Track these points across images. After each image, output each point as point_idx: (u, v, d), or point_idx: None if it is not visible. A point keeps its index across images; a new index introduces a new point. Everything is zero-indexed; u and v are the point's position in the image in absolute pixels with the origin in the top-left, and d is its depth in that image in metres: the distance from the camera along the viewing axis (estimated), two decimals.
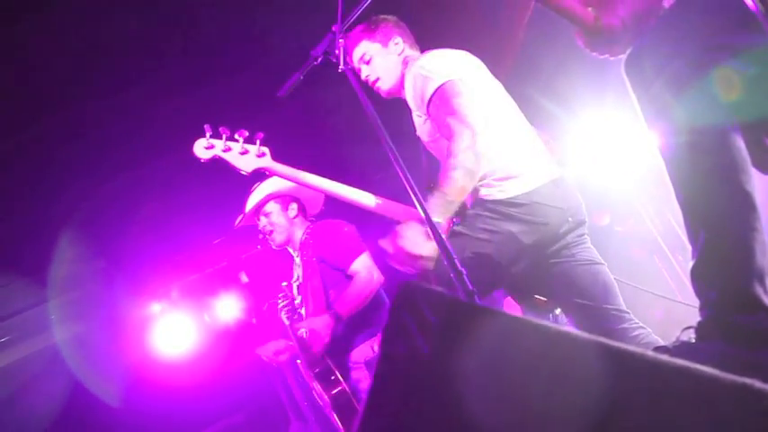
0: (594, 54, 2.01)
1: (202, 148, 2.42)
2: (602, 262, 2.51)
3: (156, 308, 5.51)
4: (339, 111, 4.24)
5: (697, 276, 1.68)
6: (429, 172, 2.76)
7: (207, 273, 5.75)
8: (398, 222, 2.62)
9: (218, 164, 2.48)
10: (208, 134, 2.40)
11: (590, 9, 1.93)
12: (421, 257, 2.06)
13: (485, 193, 2.37)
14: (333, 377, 3.17)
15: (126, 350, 5.39)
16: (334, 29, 2.12)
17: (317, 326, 3.12)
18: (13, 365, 5.22)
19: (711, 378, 0.83)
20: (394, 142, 1.95)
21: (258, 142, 2.42)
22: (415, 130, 2.63)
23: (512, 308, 3.40)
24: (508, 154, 2.38)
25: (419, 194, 1.88)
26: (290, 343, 3.32)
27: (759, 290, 1.57)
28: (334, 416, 3.17)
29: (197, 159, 2.45)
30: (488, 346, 0.95)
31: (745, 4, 1.40)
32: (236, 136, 2.42)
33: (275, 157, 2.50)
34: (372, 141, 2.09)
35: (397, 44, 2.68)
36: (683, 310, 3.17)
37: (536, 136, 2.53)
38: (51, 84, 3.56)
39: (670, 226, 4.78)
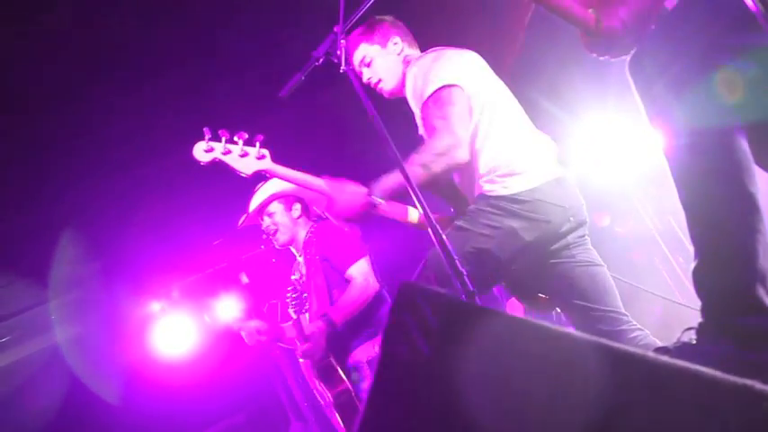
0: (595, 55, 2.01)
1: (202, 151, 2.41)
2: (602, 263, 2.51)
3: (155, 307, 5.51)
4: (340, 111, 4.24)
5: (699, 277, 1.68)
6: None
7: (207, 273, 5.76)
8: (397, 222, 2.65)
9: (217, 166, 2.47)
10: (207, 137, 2.39)
11: (591, 11, 1.93)
12: (357, 214, 2.26)
13: (488, 188, 2.37)
14: (335, 376, 3.17)
15: (126, 351, 5.39)
16: (335, 29, 2.12)
17: (310, 331, 3.14)
18: (13, 365, 5.22)
19: (712, 379, 0.83)
20: (395, 142, 1.96)
21: (258, 144, 2.41)
22: (417, 130, 2.63)
23: (515, 308, 3.41)
24: (512, 151, 2.39)
25: (419, 194, 1.89)
26: (293, 336, 3.32)
27: (761, 291, 1.57)
28: (336, 415, 3.18)
29: (197, 162, 2.44)
30: (489, 347, 0.94)
31: (745, 5, 1.40)
32: (236, 138, 2.40)
33: (275, 159, 2.49)
34: (373, 142, 2.10)
35: (395, 44, 2.68)
36: (683, 312, 3.17)
37: (540, 135, 2.54)
38: (52, 85, 3.56)
39: (670, 227, 4.78)
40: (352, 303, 3.23)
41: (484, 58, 2.59)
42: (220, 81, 4.00)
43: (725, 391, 0.82)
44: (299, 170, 2.47)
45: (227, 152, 2.40)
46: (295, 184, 2.52)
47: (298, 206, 3.56)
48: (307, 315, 3.40)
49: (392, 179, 2.26)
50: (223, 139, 2.39)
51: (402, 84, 2.62)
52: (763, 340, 1.53)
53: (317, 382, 3.25)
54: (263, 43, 3.88)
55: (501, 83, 2.58)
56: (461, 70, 2.43)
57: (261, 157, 2.40)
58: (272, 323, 3.47)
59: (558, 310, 2.58)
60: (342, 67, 2.09)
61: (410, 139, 2.66)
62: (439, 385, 0.95)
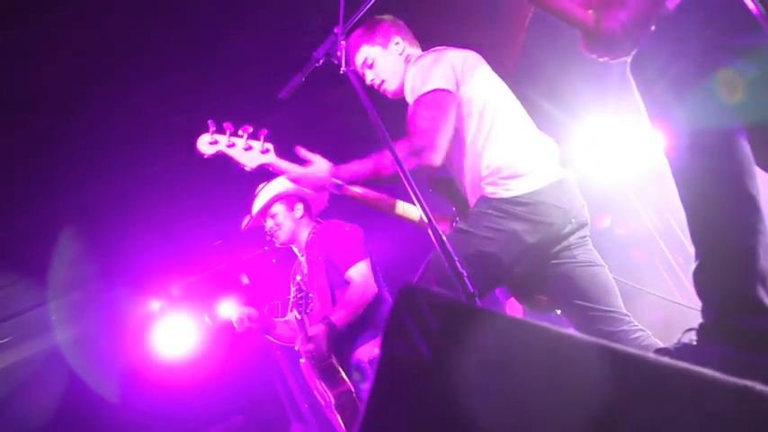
0: (595, 57, 2.01)
1: (206, 144, 2.39)
2: (603, 264, 2.51)
3: (155, 305, 5.50)
4: (340, 111, 4.24)
5: (699, 278, 1.68)
6: (429, 172, 2.76)
7: (208, 274, 5.76)
8: (385, 213, 2.67)
9: (219, 162, 2.45)
10: (211, 129, 2.38)
11: (590, 12, 1.93)
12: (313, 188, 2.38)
13: (490, 191, 2.37)
14: (337, 377, 3.18)
15: (127, 351, 5.39)
16: (336, 30, 2.12)
17: (313, 333, 3.14)
18: (14, 366, 5.22)
19: (712, 380, 0.83)
20: (396, 142, 1.96)
21: (262, 138, 2.39)
22: None
23: (514, 308, 3.41)
24: (514, 153, 2.39)
25: (419, 193, 1.89)
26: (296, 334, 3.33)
27: (761, 292, 1.57)
28: (337, 416, 3.18)
29: (200, 155, 2.41)
30: (489, 349, 0.94)
31: (746, 6, 1.40)
32: (240, 132, 2.39)
33: (279, 154, 2.48)
34: (373, 141, 2.10)
35: (397, 44, 2.68)
36: (684, 313, 3.16)
37: (542, 136, 2.54)
38: (53, 85, 3.56)
39: (671, 227, 4.78)
40: (351, 306, 3.23)
41: (484, 58, 2.59)
42: (221, 82, 4.00)
43: (725, 393, 0.81)
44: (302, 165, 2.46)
45: (232, 145, 2.38)
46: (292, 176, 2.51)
47: (300, 206, 3.57)
48: (302, 316, 3.40)
49: (357, 166, 2.29)
50: (227, 131, 2.37)
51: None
52: (764, 341, 1.53)
53: (318, 383, 3.26)
54: (264, 44, 3.89)
55: (503, 83, 2.58)
56: (459, 73, 2.42)
57: (265, 151, 2.39)
58: (265, 314, 3.47)
59: (559, 311, 2.58)
60: (342, 68, 2.09)
61: None
62: (439, 386, 0.95)
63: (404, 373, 0.98)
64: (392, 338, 1.00)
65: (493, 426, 0.90)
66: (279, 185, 3.47)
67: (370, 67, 2.68)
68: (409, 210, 2.73)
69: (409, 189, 1.90)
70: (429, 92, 2.35)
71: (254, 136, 2.40)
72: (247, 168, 2.41)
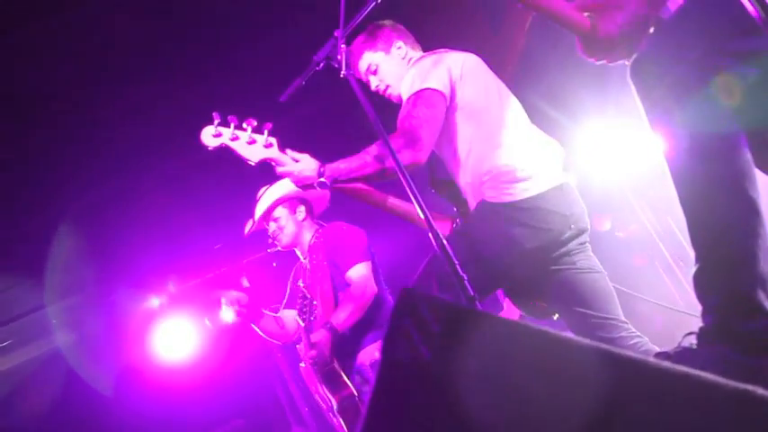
0: (593, 60, 2.01)
1: (210, 136, 2.37)
2: (603, 270, 2.51)
3: (154, 302, 5.49)
4: (340, 115, 4.25)
5: (699, 282, 1.68)
6: (430, 171, 2.77)
7: (208, 277, 5.75)
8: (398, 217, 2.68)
9: (220, 164, 2.44)
10: (216, 122, 2.37)
11: (586, 14, 1.93)
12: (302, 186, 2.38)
13: (490, 195, 2.37)
14: (340, 381, 3.18)
15: (127, 354, 5.39)
16: (336, 34, 2.12)
17: (316, 339, 3.15)
18: (14, 369, 5.22)
19: (713, 384, 0.83)
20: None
21: (266, 132, 2.38)
22: None
23: (511, 308, 3.41)
24: (514, 157, 2.39)
25: (417, 194, 1.89)
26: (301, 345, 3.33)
27: (762, 296, 1.56)
28: (340, 419, 3.18)
29: (203, 147, 2.40)
30: (489, 353, 0.94)
31: (746, 10, 1.40)
32: (245, 125, 2.38)
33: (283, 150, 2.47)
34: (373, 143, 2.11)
35: (399, 48, 2.68)
36: (684, 316, 3.16)
37: (546, 139, 2.54)
38: (54, 86, 3.57)
39: (671, 231, 4.77)
40: (351, 309, 3.23)
41: (485, 62, 2.59)
42: (223, 83, 4.01)
43: (726, 397, 0.81)
44: None
45: (236, 138, 2.37)
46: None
47: (302, 208, 3.57)
48: (305, 323, 3.40)
49: (343, 164, 2.29)
50: (232, 124, 2.36)
51: None
52: (764, 345, 1.53)
53: (320, 387, 3.26)
54: (265, 47, 3.89)
55: (503, 86, 2.58)
56: (457, 77, 2.43)
57: (268, 146, 2.38)
58: (254, 303, 3.46)
59: (557, 316, 2.58)
60: (342, 72, 2.09)
61: None
62: (440, 390, 0.95)
63: (405, 376, 0.98)
64: (393, 342, 1.00)
65: (493, 428, 0.90)
66: (281, 189, 3.47)
67: (374, 73, 2.68)
68: (403, 205, 2.74)
69: (407, 188, 1.91)
70: (420, 90, 2.36)
71: (258, 130, 2.38)
72: (251, 163, 2.39)
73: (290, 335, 3.58)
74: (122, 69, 3.66)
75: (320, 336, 3.15)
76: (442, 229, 2.64)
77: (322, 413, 3.47)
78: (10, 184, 4.05)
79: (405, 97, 2.45)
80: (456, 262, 1.80)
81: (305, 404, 5.56)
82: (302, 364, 3.32)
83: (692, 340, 1.68)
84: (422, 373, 0.96)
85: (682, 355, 1.64)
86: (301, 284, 3.48)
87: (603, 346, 0.91)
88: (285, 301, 3.66)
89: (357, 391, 3.19)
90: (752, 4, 1.34)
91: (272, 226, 3.53)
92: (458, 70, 2.44)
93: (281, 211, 3.52)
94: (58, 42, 3.32)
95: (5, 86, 3.41)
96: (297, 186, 2.40)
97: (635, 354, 0.89)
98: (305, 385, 3.53)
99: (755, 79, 1.62)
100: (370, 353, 3.30)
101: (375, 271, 3.44)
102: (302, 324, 3.30)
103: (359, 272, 3.33)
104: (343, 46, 2.09)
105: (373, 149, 2.25)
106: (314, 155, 2.43)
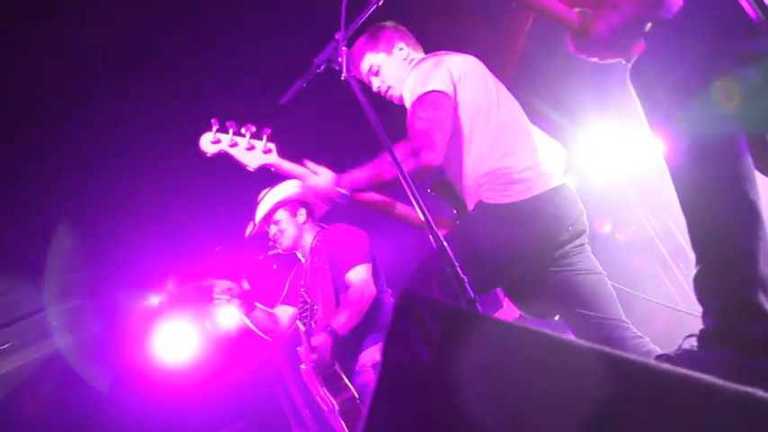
0: (583, 57, 2.00)
1: (209, 143, 2.37)
2: (602, 272, 2.51)
3: (154, 300, 5.49)
4: (341, 116, 4.25)
5: (700, 284, 1.68)
6: (431, 174, 2.77)
7: (208, 279, 5.74)
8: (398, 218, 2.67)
9: (219, 166, 2.44)
10: (214, 128, 2.37)
11: (577, 10, 1.92)
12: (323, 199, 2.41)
13: (487, 196, 2.38)
14: (341, 383, 3.17)
15: (127, 357, 5.39)
16: (337, 36, 2.12)
17: (317, 343, 3.14)
18: (14, 371, 5.22)
19: (713, 387, 0.83)
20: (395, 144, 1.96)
21: (265, 138, 2.38)
22: None
23: (511, 309, 3.41)
24: (512, 158, 2.39)
25: (418, 197, 1.89)
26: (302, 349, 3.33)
27: (762, 298, 1.56)
28: (341, 422, 3.17)
29: (202, 154, 2.40)
30: (490, 355, 0.94)
31: (746, 12, 1.40)
32: (243, 131, 2.38)
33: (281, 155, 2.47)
34: (374, 146, 2.11)
35: (401, 49, 2.69)
36: (684, 319, 3.16)
37: (547, 140, 2.54)
38: (54, 88, 3.57)
39: (672, 233, 4.77)
40: (351, 311, 3.23)
41: (485, 63, 2.59)
42: (223, 85, 4.02)
43: (726, 399, 0.81)
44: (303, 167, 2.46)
45: (234, 144, 2.37)
46: (297, 179, 2.51)
47: (303, 211, 3.56)
48: (306, 327, 3.40)
49: (359, 173, 2.29)
50: (230, 130, 2.36)
51: None
52: (765, 347, 1.53)
53: (321, 390, 3.25)
54: (266, 49, 3.90)
55: (503, 88, 2.58)
56: (457, 79, 2.43)
57: (267, 151, 2.38)
58: (246, 293, 3.45)
59: (557, 317, 2.58)
60: (343, 75, 2.09)
61: None
62: (440, 392, 0.95)
63: (405, 378, 0.98)
64: (393, 345, 1.00)
65: (493, 430, 0.90)
66: (281, 191, 3.46)
67: (376, 74, 2.68)
68: (414, 213, 2.74)
69: (409, 192, 1.91)
70: (426, 93, 2.36)
71: (256, 135, 2.38)
72: (250, 168, 2.40)
73: (282, 331, 3.57)
74: (122, 70, 3.66)
75: (321, 339, 3.15)
76: (444, 233, 2.65)
77: (323, 415, 3.47)
78: (10, 184, 4.05)
79: (408, 102, 2.45)
80: (456, 264, 1.80)
81: (306, 406, 5.56)
82: (303, 366, 3.32)
83: (693, 342, 1.68)
84: (422, 374, 0.97)
85: (682, 357, 1.64)
86: (302, 291, 3.48)
87: (604, 348, 0.91)
88: (282, 297, 3.66)
89: (358, 394, 3.19)
90: (751, 6, 1.34)
91: (273, 229, 3.53)
92: (457, 72, 2.44)
93: (281, 214, 3.52)
94: (58, 43, 3.32)
95: (5, 86, 3.42)
96: (317, 199, 2.41)
97: (635, 356, 0.89)
98: (306, 387, 3.52)
99: (755, 81, 1.62)
100: (372, 355, 3.30)
101: (376, 273, 3.43)
102: (303, 328, 3.29)
103: (358, 274, 3.32)
104: (344, 48, 2.09)
105: (388, 156, 2.25)
106: (314, 158, 2.43)
